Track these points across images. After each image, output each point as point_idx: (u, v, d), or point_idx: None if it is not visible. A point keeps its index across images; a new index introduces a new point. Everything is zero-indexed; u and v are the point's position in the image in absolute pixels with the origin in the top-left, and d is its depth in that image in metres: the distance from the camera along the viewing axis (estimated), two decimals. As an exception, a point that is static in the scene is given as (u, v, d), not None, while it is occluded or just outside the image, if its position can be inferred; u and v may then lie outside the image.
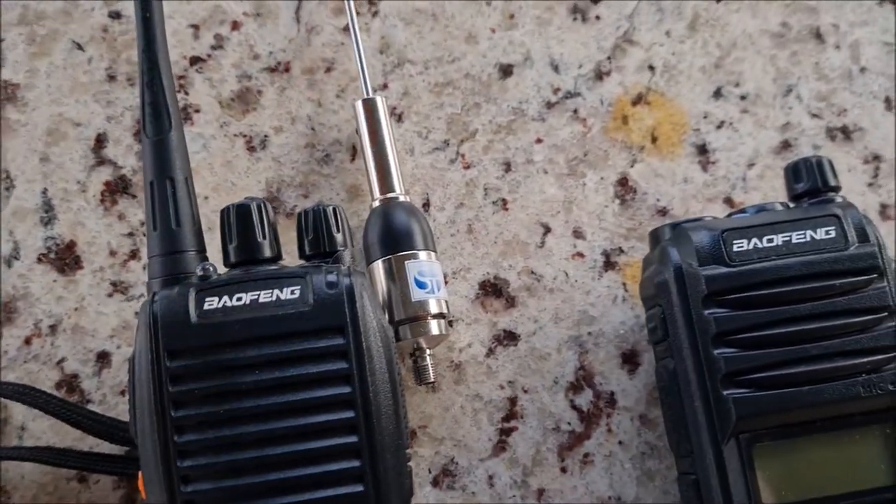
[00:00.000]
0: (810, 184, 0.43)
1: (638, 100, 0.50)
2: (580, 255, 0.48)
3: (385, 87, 0.49)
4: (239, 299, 0.37)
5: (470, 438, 0.46)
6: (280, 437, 0.36)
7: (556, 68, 0.50)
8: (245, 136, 0.48)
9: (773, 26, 0.51)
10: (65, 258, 0.46)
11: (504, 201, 0.49)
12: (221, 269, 0.39)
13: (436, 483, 0.45)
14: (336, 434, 0.36)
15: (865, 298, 0.40)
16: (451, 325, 0.46)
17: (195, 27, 0.49)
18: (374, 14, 0.50)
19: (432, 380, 0.44)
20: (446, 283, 0.47)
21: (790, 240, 0.41)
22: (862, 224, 0.41)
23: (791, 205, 0.44)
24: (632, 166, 0.49)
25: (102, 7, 0.49)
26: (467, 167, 0.49)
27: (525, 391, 0.46)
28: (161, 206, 0.39)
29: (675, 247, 0.41)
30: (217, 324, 0.36)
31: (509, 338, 0.47)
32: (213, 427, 0.36)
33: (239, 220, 0.39)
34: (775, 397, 0.39)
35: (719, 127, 0.50)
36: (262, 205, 0.39)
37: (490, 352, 0.47)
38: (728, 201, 0.49)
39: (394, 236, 0.44)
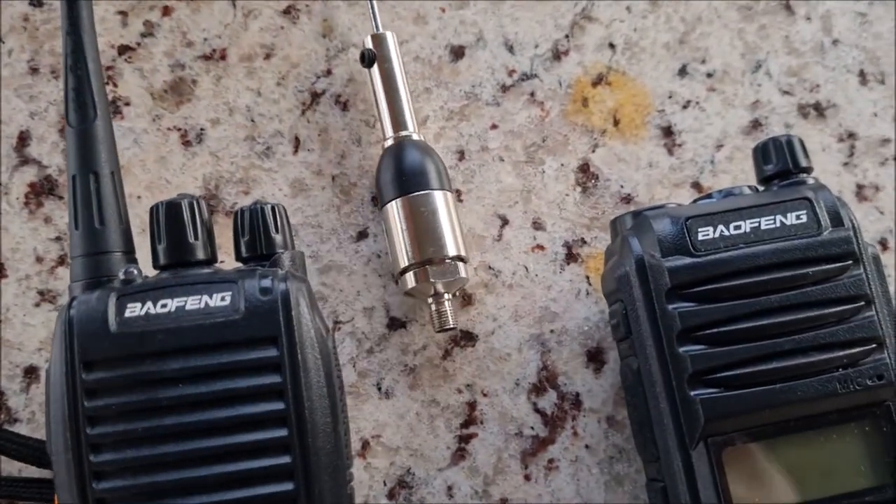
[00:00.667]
0: (780, 165, 0.41)
1: (598, 80, 0.47)
2: (540, 247, 0.45)
3: (329, 73, 0.46)
4: (164, 306, 0.34)
5: (427, 447, 0.43)
6: (205, 458, 0.33)
7: (510, 49, 0.47)
8: (179, 129, 0.45)
9: (741, -2, 0.48)
10: (-13, 266, 0.43)
11: (458, 192, 0.46)
12: (151, 273, 0.36)
13: (391, 496, 0.42)
14: (267, 454, 0.33)
15: (840, 287, 0.37)
16: (466, 265, 0.43)
17: (123, 14, 0.46)
18: (316, -5, 0.47)
19: (452, 325, 0.42)
20: (396, 281, 0.44)
21: (759, 226, 0.38)
22: (836, 207, 0.38)
23: (760, 188, 0.41)
24: (593, 151, 0.46)
25: (22, -5, 0.46)
26: (418, 157, 0.46)
27: (484, 395, 0.44)
28: (84, 203, 0.36)
29: (637, 237, 0.38)
30: (138, 333, 0.34)
31: (466, 338, 0.44)
32: (131, 446, 0.33)
33: (169, 219, 0.36)
34: (746, 397, 0.36)
35: (685, 107, 0.47)
36: (196, 202, 0.36)
37: (446, 354, 0.44)
38: (696, 186, 0.46)
39: (407, 176, 0.42)
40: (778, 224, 0.38)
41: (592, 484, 0.43)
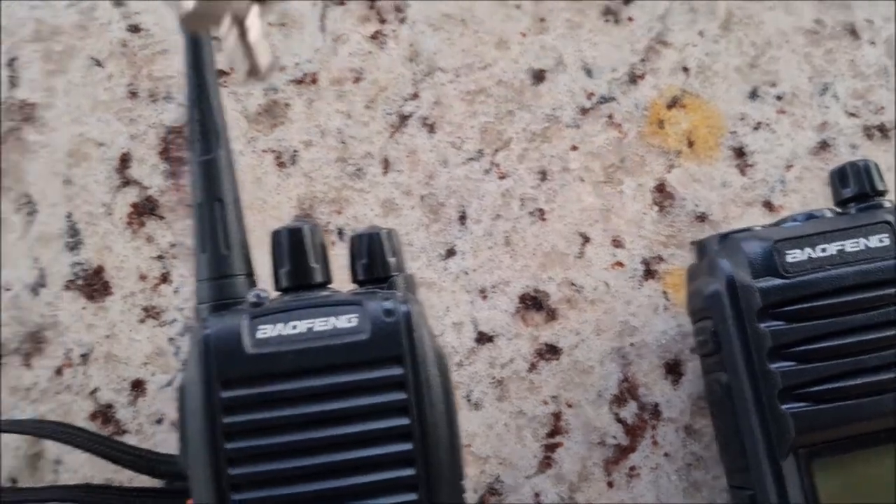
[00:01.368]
0: (858, 189, 0.42)
1: (673, 103, 0.49)
2: (620, 264, 0.47)
3: (416, 96, 0.48)
4: (294, 327, 0.36)
5: (515, 456, 0.45)
6: (335, 471, 0.34)
7: (589, 72, 0.49)
8: (274, 151, 0.47)
9: (808, 23, 0.50)
10: (93, 284, 0.45)
11: (541, 211, 0.48)
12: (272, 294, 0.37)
13: (482, 503, 0.44)
14: (393, 467, 0.35)
15: (923, 307, 0.39)
16: None
17: (217, 40, 0.48)
18: (402, 21, 0.49)
19: (266, 64, 0.33)
20: (485, 297, 0.46)
21: (844, 249, 0.40)
22: (915, 230, 0.40)
23: (839, 210, 0.43)
24: (669, 172, 0.48)
25: (120, 20, 0.47)
26: (502, 177, 0.48)
27: (569, 406, 0.46)
28: (210, 229, 0.37)
29: (726, 258, 0.40)
30: (272, 353, 0.35)
31: (551, 352, 0.46)
32: (267, 460, 0.34)
33: (292, 244, 0.37)
34: (834, 410, 0.38)
35: (756, 129, 0.49)
36: (314, 228, 0.38)
37: (532, 367, 0.46)
38: (767, 205, 0.48)
39: None
40: (862, 247, 0.40)
41: (672, 490, 0.45)
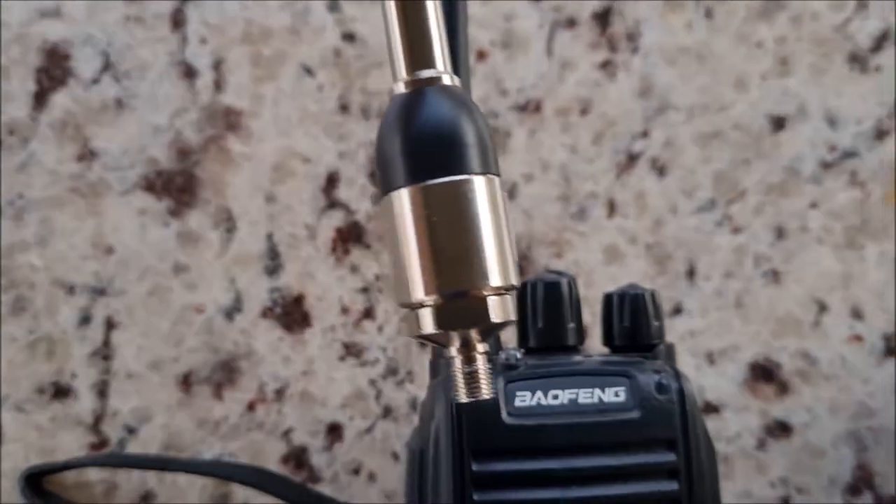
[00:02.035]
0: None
1: (923, 164, 0.45)
2: (858, 337, 0.43)
3: (646, 134, 0.44)
4: (555, 397, 0.32)
5: (736, 541, 0.41)
6: (601, 564, 0.31)
7: (832, 123, 0.45)
8: (491, 182, 0.43)
9: None
10: (292, 314, 0.41)
11: (776, 273, 0.43)
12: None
13: (699, 590, 0.40)
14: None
15: None
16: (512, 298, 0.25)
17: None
18: (634, 51, 0.44)
19: (486, 393, 0.26)
20: (712, 362, 0.42)
21: None
22: None
23: None
24: (916, 240, 0.44)
25: (335, 27, 0.43)
26: (735, 231, 0.44)
27: (799, 491, 0.41)
28: None
29: None
30: (532, 426, 0.31)
31: (781, 429, 0.42)
32: (520, 542, 0.31)
33: (548, 300, 0.34)
34: None
35: None
36: (572, 282, 0.34)
37: (760, 444, 0.42)
38: None
39: (431, 149, 0.24)
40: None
41: None
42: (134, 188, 0.41)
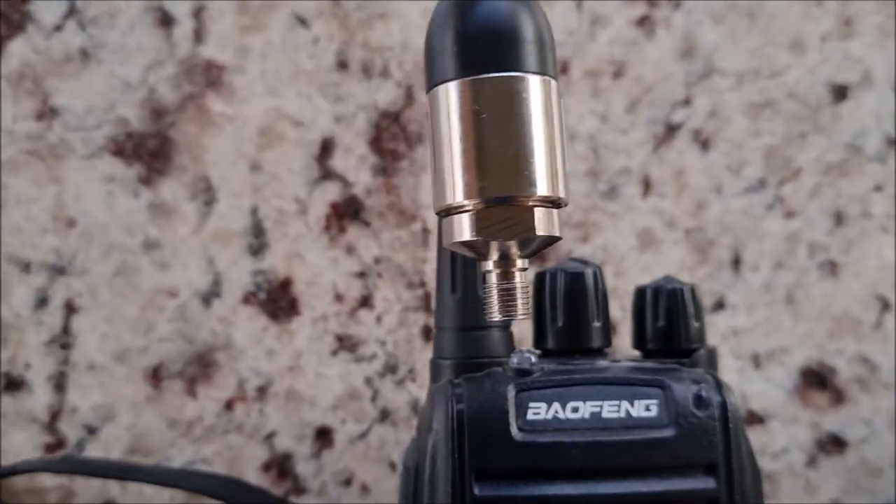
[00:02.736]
0: None
1: None
2: (925, 340, 0.38)
3: (688, 102, 0.38)
4: (575, 410, 0.27)
5: (779, 570, 0.36)
6: None
7: (901, 98, 0.39)
8: (509, 154, 0.38)
9: None
10: (278, 300, 0.36)
11: (833, 265, 0.38)
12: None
13: None
14: None
15: None
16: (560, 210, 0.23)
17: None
18: (676, 6, 0.39)
19: (522, 313, 0.24)
20: (758, 365, 0.37)
21: None
22: None
23: None
24: None
25: (333, -29, 0.38)
26: (788, 216, 0.38)
27: (852, 514, 0.36)
28: (465, 266, 0.28)
29: None
30: (547, 444, 0.27)
31: (835, 444, 0.37)
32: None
33: (569, 293, 0.29)
34: None
35: None
36: (598, 273, 0.29)
37: (811, 461, 0.37)
38: None
39: (486, 41, 0.23)
40: None
41: None
42: (100, 152, 0.36)
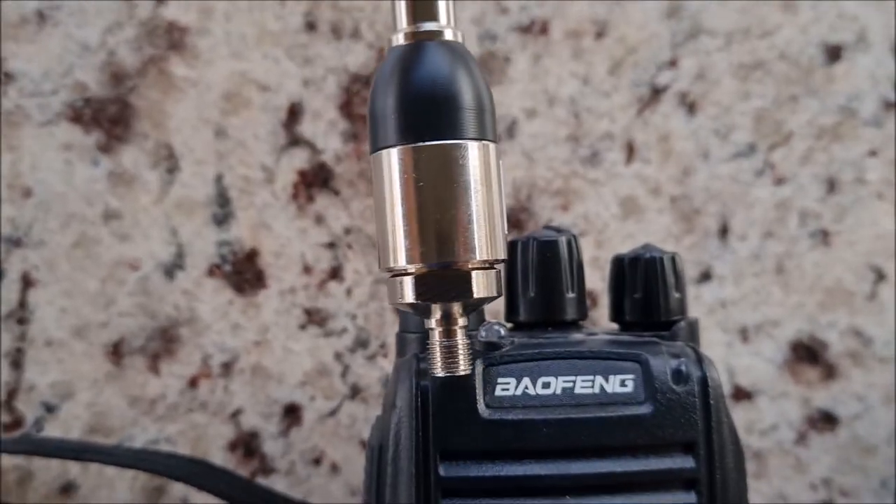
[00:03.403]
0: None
1: None
2: (921, 312, 0.36)
3: (674, 63, 0.37)
4: (546, 385, 0.26)
5: (767, 551, 0.34)
6: None
7: (899, 55, 0.37)
8: (486, 119, 0.36)
9: None
10: (244, 272, 0.35)
11: (825, 233, 0.36)
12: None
13: None
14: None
15: None
16: (498, 276, 0.24)
17: None
18: (662, -37, 0.37)
19: (462, 368, 0.24)
20: (746, 339, 0.35)
21: None
22: None
23: None
24: None
25: (301, -73, 0.36)
26: (779, 182, 0.36)
27: (844, 494, 0.35)
28: None
29: None
30: (517, 421, 0.25)
31: (826, 420, 0.35)
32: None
33: (542, 263, 0.27)
34: None
35: None
36: (573, 241, 0.27)
37: (801, 438, 0.35)
38: None
39: (421, 107, 0.23)
40: None
41: None
42: (57, 118, 0.34)
